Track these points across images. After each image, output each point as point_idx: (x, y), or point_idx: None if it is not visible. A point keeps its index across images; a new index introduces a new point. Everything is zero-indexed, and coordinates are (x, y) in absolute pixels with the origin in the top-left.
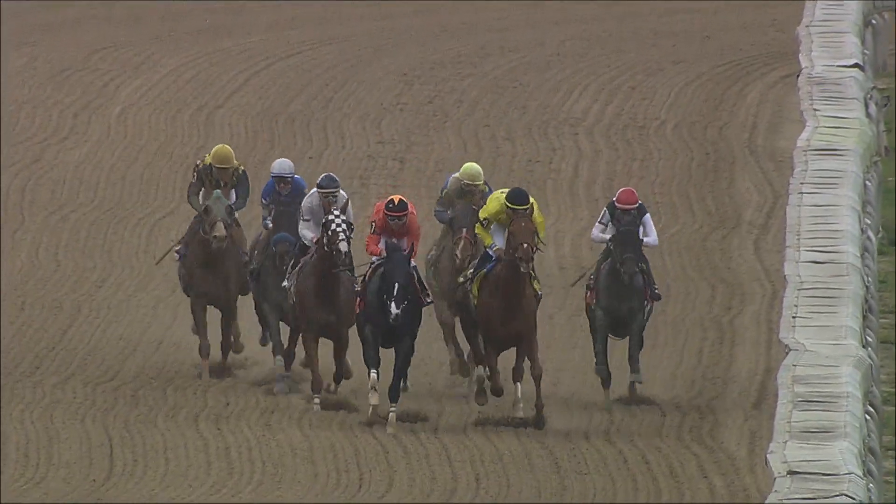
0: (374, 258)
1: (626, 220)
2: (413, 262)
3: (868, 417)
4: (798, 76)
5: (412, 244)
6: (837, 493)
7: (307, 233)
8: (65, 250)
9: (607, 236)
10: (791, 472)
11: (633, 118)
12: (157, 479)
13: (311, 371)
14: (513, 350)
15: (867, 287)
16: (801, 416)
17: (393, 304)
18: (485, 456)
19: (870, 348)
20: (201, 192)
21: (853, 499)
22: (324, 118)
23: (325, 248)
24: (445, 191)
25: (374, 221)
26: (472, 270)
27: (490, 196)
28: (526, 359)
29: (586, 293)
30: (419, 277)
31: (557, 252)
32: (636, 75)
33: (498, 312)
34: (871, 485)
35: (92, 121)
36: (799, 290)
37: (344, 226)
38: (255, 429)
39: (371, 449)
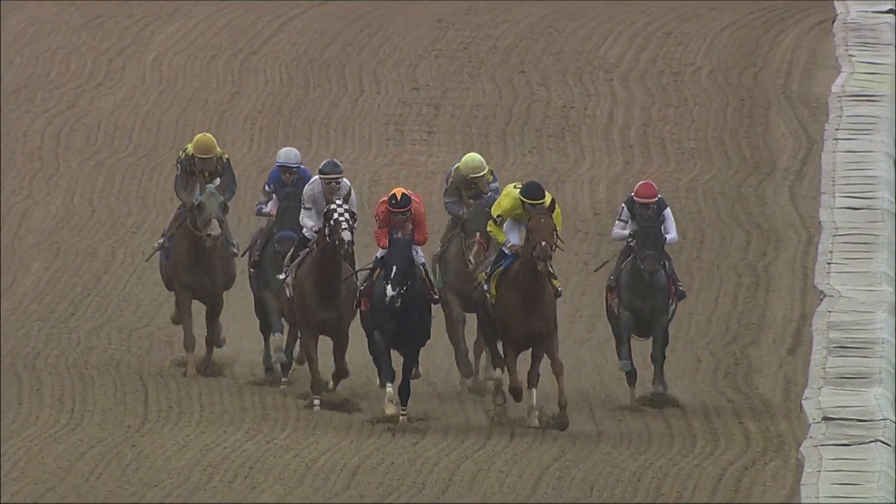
0: (377, 253)
1: (646, 215)
2: (421, 257)
3: None
4: (833, 22)
5: (411, 230)
6: (872, 439)
7: (308, 221)
8: (100, 196)
9: (627, 233)
10: (826, 418)
11: (667, 64)
12: (191, 426)
13: (311, 371)
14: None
15: None
16: (836, 362)
17: (389, 287)
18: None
19: None
20: (189, 185)
21: (888, 444)
22: (359, 64)
23: (328, 238)
24: (451, 181)
25: (378, 215)
26: (488, 270)
27: (503, 191)
28: (546, 356)
29: (607, 293)
30: (427, 273)
31: (592, 198)
32: (671, 21)
33: (517, 310)
34: None
35: (126, 67)
36: (834, 236)
37: (347, 215)
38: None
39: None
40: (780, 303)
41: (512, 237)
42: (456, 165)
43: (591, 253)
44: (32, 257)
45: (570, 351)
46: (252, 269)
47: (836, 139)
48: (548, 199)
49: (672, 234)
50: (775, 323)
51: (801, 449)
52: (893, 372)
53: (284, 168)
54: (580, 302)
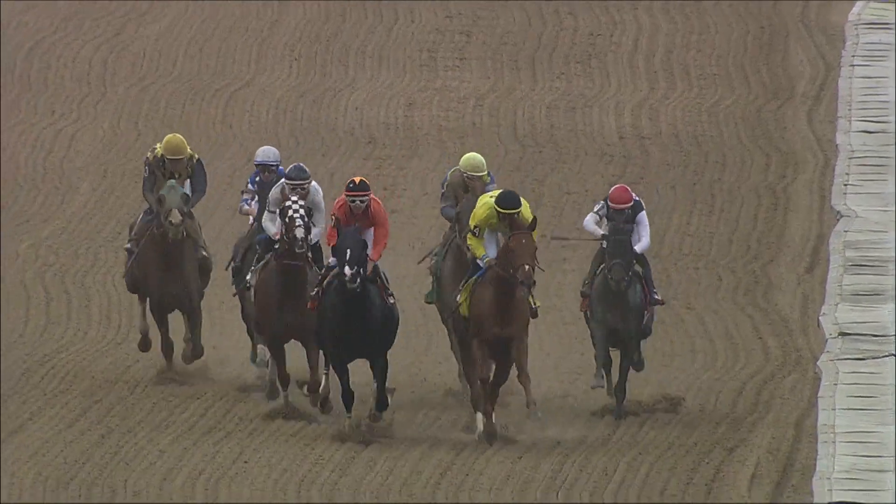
0: (330, 261)
1: (620, 220)
2: (376, 259)
3: None
4: None
5: (380, 226)
6: (886, 354)
7: (270, 226)
8: (145, 120)
9: (600, 232)
10: (842, 334)
11: None
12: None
13: (277, 368)
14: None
15: None
16: (852, 280)
17: (347, 268)
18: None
19: None
20: (155, 187)
21: None
22: None
23: (284, 236)
24: (447, 184)
25: (335, 214)
26: (458, 292)
27: (479, 201)
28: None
29: (582, 300)
30: (382, 275)
31: (618, 122)
32: None
33: (489, 317)
34: None
35: None
36: (850, 158)
37: (302, 211)
38: None
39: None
40: (798, 223)
41: (490, 251)
42: (452, 170)
43: (616, 175)
44: (81, 179)
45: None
46: (232, 275)
47: (853, 65)
48: (525, 208)
49: (644, 242)
50: (793, 242)
51: (818, 363)
52: None
53: (263, 167)
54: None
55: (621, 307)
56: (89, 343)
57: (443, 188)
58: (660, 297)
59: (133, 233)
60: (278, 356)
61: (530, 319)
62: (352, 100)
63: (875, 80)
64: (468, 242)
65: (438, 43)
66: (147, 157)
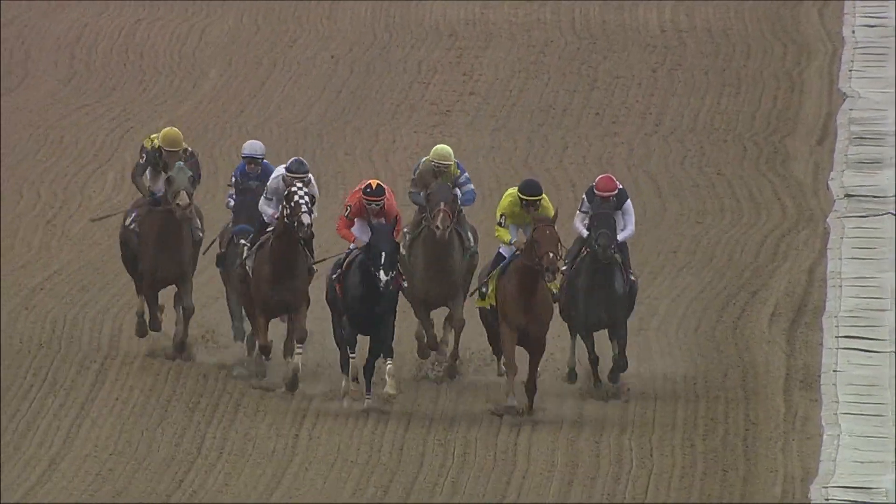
0: (351, 246)
1: (605, 208)
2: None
3: None
4: None
5: (396, 219)
6: (885, 212)
7: (268, 209)
8: (263, 16)
9: (586, 232)
10: (847, 195)
11: None
12: None
13: (258, 337)
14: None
15: None
16: (856, 150)
17: (381, 273)
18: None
19: None
20: (147, 173)
21: None
22: None
23: (286, 219)
24: (418, 171)
25: (350, 205)
26: (484, 284)
27: (505, 193)
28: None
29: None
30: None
31: (660, 18)
32: None
33: (516, 302)
34: None
35: None
36: (854, 48)
37: (307, 198)
38: None
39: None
40: (810, 103)
41: (513, 233)
42: (424, 159)
43: (658, 62)
44: (209, 66)
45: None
46: (217, 264)
47: None
48: (546, 199)
49: (629, 230)
50: (807, 119)
51: (827, 220)
52: None
53: (250, 159)
54: (649, 103)
55: (605, 297)
56: (219, 204)
57: (414, 175)
58: (635, 279)
59: (135, 214)
60: (263, 328)
61: (553, 307)
62: (437, 2)
63: None
64: (496, 233)
65: None
66: (144, 146)
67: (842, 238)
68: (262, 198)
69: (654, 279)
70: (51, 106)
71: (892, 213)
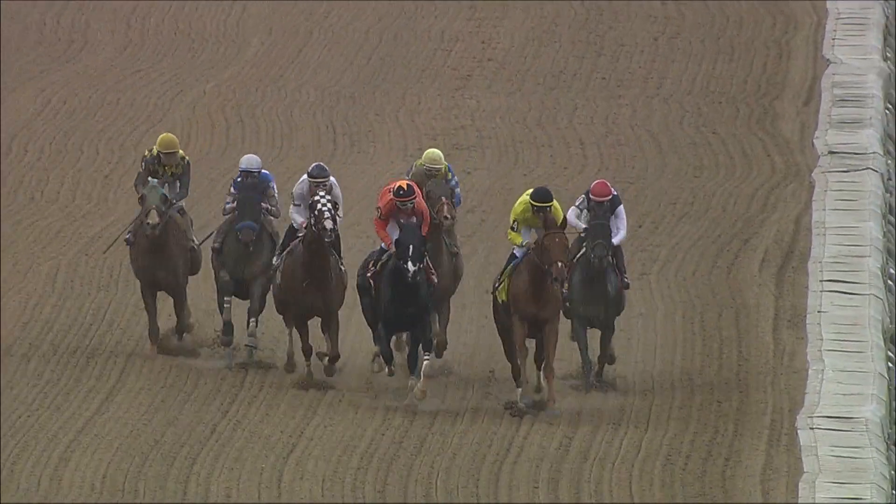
0: (383, 245)
1: (599, 212)
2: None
3: (887, 111)
4: None
5: (423, 217)
6: (864, 167)
7: (297, 217)
8: None
9: (582, 224)
10: (831, 152)
11: None
12: None
13: (301, 342)
14: None
15: (886, 16)
16: (838, 111)
17: (409, 263)
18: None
19: (889, 62)
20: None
21: (875, 171)
22: None
23: (313, 227)
24: (412, 174)
25: (381, 207)
26: (498, 281)
27: (519, 199)
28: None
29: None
30: (428, 259)
31: None
32: None
33: (527, 295)
34: (889, 161)
35: None
36: (837, 19)
37: (329, 205)
38: None
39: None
40: (797, 68)
41: (525, 235)
42: (416, 162)
43: (659, 31)
44: (251, 35)
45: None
46: (214, 255)
47: None
48: (556, 205)
49: (622, 233)
50: (794, 83)
51: (812, 175)
52: (880, 119)
53: (247, 173)
54: (651, 68)
55: (600, 295)
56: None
57: (406, 177)
58: (629, 281)
59: (132, 224)
60: (301, 331)
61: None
62: None
63: None
64: (508, 237)
65: None
66: (144, 156)
67: (825, 191)
68: (291, 205)
69: (655, 228)
70: (108, 71)
71: (871, 169)
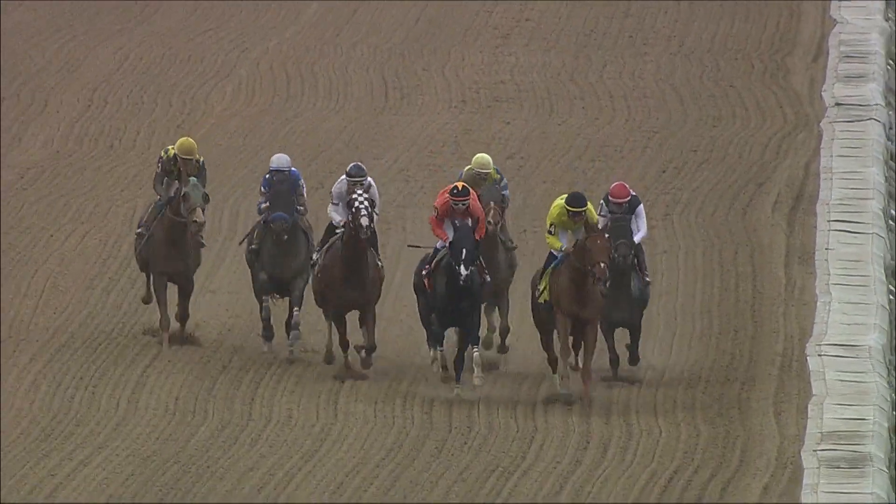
0: (438, 244)
1: (619, 212)
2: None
3: (889, 67)
4: None
5: (478, 219)
6: (868, 118)
7: (336, 216)
8: None
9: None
10: (837, 104)
11: None
12: None
13: (339, 335)
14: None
15: None
16: (844, 67)
17: (462, 267)
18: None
19: (890, 21)
20: (165, 181)
21: (878, 120)
22: None
23: (350, 224)
24: (461, 179)
25: (437, 207)
26: (539, 283)
27: (554, 203)
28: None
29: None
30: (480, 259)
31: None
32: None
33: (569, 295)
34: (890, 112)
35: None
36: None
37: (366, 203)
38: None
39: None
40: (806, 28)
41: (563, 239)
42: (466, 168)
43: None
44: (308, 3)
45: None
46: (250, 255)
47: None
48: (590, 209)
49: (642, 232)
50: (803, 40)
51: (820, 124)
52: (881, 73)
53: (277, 171)
54: (674, 27)
55: (624, 296)
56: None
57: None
58: (650, 280)
59: (143, 220)
60: (339, 325)
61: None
62: None
63: None
64: (546, 241)
65: None
66: (160, 156)
67: (832, 139)
68: (330, 203)
69: (677, 173)
70: (180, 30)
71: (874, 119)
